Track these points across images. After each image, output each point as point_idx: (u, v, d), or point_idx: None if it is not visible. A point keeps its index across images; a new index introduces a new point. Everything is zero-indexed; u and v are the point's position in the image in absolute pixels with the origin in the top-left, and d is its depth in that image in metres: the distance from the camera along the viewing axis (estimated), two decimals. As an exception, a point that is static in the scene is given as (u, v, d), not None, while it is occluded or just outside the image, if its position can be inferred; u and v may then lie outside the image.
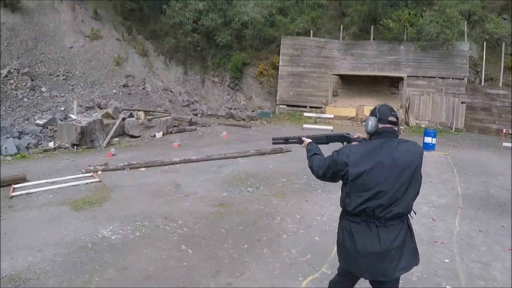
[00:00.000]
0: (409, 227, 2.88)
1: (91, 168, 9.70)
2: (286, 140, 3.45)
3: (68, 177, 9.16)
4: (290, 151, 12.33)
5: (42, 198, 7.63)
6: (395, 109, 3.02)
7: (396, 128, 2.90)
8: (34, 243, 5.60)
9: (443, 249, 5.51)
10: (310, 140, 3.31)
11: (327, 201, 7.53)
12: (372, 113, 2.92)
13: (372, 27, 22.10)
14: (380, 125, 2.86)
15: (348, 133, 3.29)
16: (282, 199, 7.71)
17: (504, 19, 22.13)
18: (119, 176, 9.41)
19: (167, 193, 8.00)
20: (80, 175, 9.35)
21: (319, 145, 3.29)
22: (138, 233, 5.89)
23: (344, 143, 3.22)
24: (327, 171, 2.90)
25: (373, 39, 22.20)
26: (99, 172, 9.60)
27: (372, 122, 2.86)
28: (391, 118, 2.87)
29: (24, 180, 8.69)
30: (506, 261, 5.18)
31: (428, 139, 13.81)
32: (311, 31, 23.11)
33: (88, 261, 5.03)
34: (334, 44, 22.69)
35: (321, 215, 6.82)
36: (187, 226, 6.19)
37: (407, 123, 20.33)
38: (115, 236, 5.80)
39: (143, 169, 10.20)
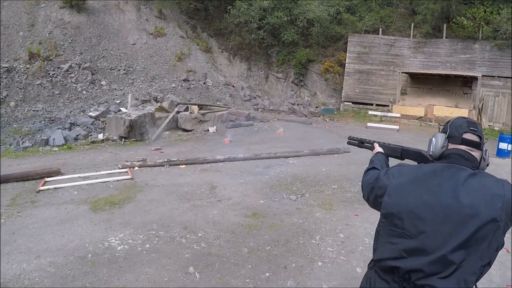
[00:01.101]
0: None
1: (128, 163, 9.19)
2: (361, 143, 2.76)
3: (101, 173, 8.73)
4: (348, 152, 11.02)
5: (67, 194, 7.20)
6: (477, 123, 1.97)
7: (474, 154, 1.85)
8: (36, 248, 5.08)
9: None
10: (380, 150, 2.42)
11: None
12: (443, 129, 1.98)
13: (445, 25, 20.97)
14: (450, 145, 1.88)
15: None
16: (328, 211, 6.58)
17: None
18: (155, 173, 8.82)
19: (198, 197, 7.20)
20: (115, 171, 8.88)
21: (392, 159, 2.39)
22: (148, 245, 5.13)
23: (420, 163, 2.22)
24: (370, 194, 2.04)
25: (446, 38, 21.04)
26: (136, 168, 9.06)
27: (437, 140, 1.93)
28: (468, 136, 1.85)
29: (58, 173, 8.38)
30: None
31: (503, 145, 12.18)
32: (380, 29, 22.23)
33: (80, 276, 4.37)
34: (404, 42, 21.77)
35: (370, 236, 5.55)
36: (206, 240, 5.32)
37: (479, 125, 18.69)
38: (122, 246, 5.08)
39: (183, 166, 9.53)
